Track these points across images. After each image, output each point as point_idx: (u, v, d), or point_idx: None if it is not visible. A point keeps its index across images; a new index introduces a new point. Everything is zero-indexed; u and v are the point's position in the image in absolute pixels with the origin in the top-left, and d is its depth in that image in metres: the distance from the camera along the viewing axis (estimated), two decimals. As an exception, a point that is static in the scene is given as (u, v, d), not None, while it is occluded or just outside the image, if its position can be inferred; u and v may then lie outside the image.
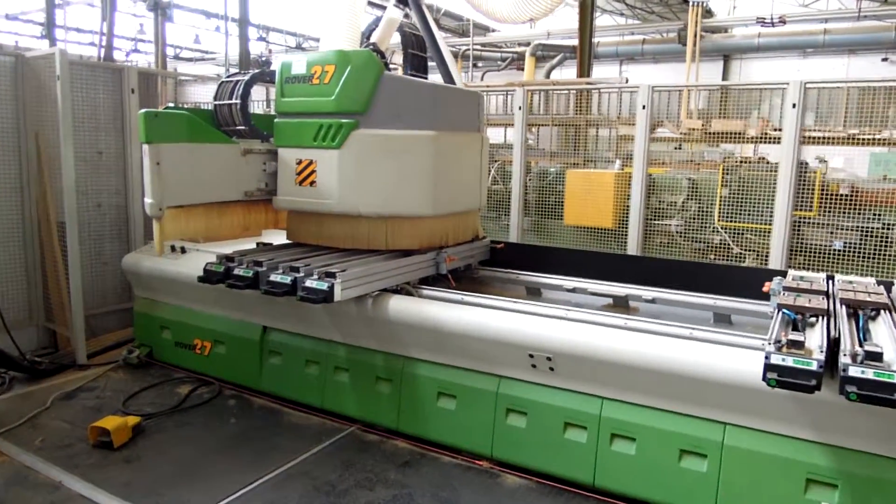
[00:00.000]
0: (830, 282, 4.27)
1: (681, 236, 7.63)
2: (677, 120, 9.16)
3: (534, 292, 5.42)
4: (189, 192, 4.31)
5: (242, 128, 4.73)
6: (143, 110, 4.10)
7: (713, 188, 7.43)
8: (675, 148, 9.03)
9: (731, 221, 7.19)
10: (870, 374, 2.73)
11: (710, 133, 8.63)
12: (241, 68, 11.51)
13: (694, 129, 9.33)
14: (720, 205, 7.26)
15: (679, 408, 3.69)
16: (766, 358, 2.91)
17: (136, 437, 4.57)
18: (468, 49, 19.16)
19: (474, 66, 23.74)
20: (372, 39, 5.22)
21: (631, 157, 7.44)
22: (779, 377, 2.86)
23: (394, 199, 4.44)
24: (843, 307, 3.59)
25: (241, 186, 4.67)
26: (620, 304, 5.00)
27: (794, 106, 6.08)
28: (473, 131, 4.86)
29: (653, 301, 4.85)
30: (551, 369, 3.99)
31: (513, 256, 5.74)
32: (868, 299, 3.61)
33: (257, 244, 5.25)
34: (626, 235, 7.18)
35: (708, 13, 18.85)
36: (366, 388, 4.74)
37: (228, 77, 4.76)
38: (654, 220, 7.65)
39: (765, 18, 16.19)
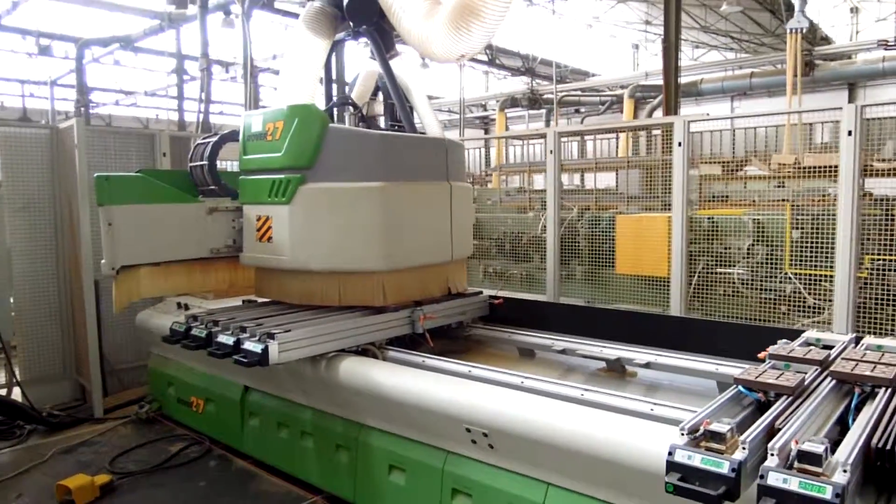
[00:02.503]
0: (853, 346, 3.43)
1: (745, 286, 6.72)
2: (765, 156, 8.27)
3: (526, 353, 4.89)
4: (145, 252, 4.32)
5: (214, 187, 4.74)
6: (96, 174, 4.22)
7: (783, 230, 6.51)
8: (777, 186, 8.13)
9: (803, 268, 6.22)
10: (794, 484, 2.04)
11: (802, 169, 7.70)
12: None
13: (784, 166, 8.37)
14: (790, 249, 6.33)
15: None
16: (670, 454, 2.29)
17: (104, 497, 4.56)
18: (563, 95, 18.90)
19: (576, 111, 23.39)
20: (354, 93, 5.13)
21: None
22: (679, 481, 2.22)
23: (342, 253, 4.20)
24: (832, 383, 2.82)
25: (207, 244, 4.65)
26: (614, 369, 4.37)
27: (849, 133, 5.17)
28: (439, 180, 4.52)
29: (647, 366, 4.18)
30: (491, 446, 3.48)
31: (514, 313, 5.26)
32: (868, 373, 2.81)
33: (243, 301, 5.21)
34: (679, 284, 6.45)
35: (824, 40, 17.26)
36: (327, 455, 4.43)
37: (203, 139, 4.81)
38: (717, 267, 6.83)
39: (887, 41, 14.46)
